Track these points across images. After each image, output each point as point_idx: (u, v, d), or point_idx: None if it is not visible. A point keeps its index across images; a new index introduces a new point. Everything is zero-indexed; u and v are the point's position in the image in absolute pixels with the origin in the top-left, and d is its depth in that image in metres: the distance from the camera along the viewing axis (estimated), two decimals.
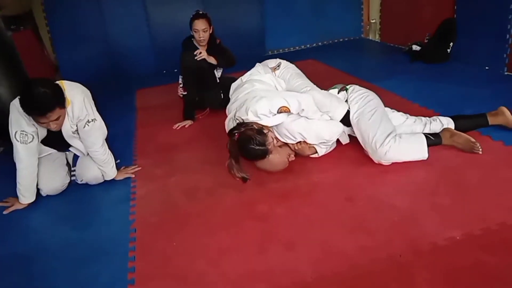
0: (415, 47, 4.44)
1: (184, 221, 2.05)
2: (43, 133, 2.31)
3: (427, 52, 4.28)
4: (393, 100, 3.25)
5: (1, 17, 4.03)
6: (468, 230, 1.74)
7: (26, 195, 2.34)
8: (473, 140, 2.34)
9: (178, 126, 3.31)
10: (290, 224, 1.93)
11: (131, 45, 5.15)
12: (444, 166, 2.25)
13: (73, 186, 2.54)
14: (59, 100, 2.08)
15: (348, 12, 5.75)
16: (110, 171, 2.49)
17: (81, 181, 2.51)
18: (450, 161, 2.29)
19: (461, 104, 3.00)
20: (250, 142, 2.19)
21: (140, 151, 2.93)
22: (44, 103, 2.01)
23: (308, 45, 5.60)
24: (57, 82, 2.19)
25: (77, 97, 2.24)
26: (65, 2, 4.84)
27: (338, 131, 2.45)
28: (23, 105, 2.03)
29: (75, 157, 2.58)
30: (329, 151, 2.55)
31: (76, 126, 2.31)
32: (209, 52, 3.36)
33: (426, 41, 4.45)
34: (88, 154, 2.46)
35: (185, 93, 3.41)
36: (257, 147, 2.19)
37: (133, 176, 2.56)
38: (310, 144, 2.43)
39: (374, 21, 5.68)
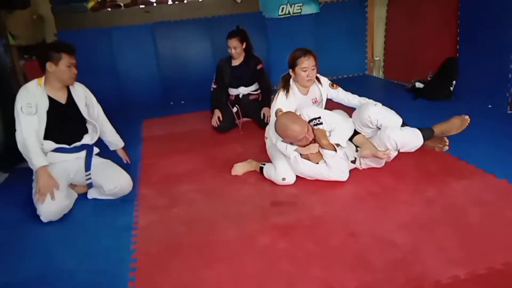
0: (418, 85, 4.51)
1: (185, 253, 2.03)
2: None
3: (430, 89, 4.34)
4: None
5: (15, 46, 4.18)
6: (472, 269, 1.71)
7: (41, 158, 2.44)
8: (458, 118, 2.67)
9: (214, 121, 3.86)
10: (291, 259, 1.91)
11: (140, 77, 5.26)
12: (447, 204, 2.25)
13: (74, 213, 2.54)
14: None
15: (353, 50, 5.91)
16: (120, 140, 2.98)
17: (112, 188, 2.55)
18: (453, 199, 2.29)
19: (464, 142, 3.01)
20: None
21: (143, 181, 2.93)
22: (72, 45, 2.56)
23: None
24: None
25: (78, 83, 2.71)
26: (77, 35, 4.99)
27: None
28: (58, 45, 2.55)
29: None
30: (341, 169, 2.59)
31: (86, 102, 2.71)
32: (243, 66, 3.93)
33: (429, 78, 4.52)
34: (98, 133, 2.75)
35: (215, 86, 3.98)
36: None
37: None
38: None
39: (378, 58, 5.80)
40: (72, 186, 2.72)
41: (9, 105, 2.76)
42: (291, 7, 5.56)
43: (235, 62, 3.95)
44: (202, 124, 4.15)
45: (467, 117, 2.66)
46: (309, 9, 5.64)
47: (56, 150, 2.58)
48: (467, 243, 1.90)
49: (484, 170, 2.56)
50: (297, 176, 2.66)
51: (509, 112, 3.66)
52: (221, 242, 2.10)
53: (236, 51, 3.83)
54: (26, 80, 4.26)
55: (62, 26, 5.02)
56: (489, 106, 3.84)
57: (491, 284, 1.65)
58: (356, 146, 2.72)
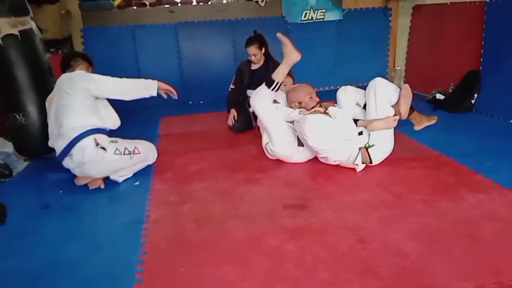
0: (439, 96, 4.46)
1: (193, 249, 2.05)
2: None
3: (451, 101, 4.28)
4: (412, 146, 3.27)
5: (42, 40, 4.29)
6: (480, 283, 1.69)
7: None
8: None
9: (230, 120, 3.97)
10: (298, 262, 1.91)
11: (161, 75, 5.21)
12: (459, 216, 2.21)
13: (89, 204, 2.61)
14: None
15: (374, 58, 5.88)
16: None
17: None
18: (466, 212, 2.25)
19: (482, 155, 2.98)
20: None
21: (157, 176, 2.98)
22: None
23: (332, 87, 5.68)
24: None
25: None
26: (102, 31, 5.12)
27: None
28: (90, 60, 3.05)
29: None
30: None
31: None
32: (263, 70, 3.95)
33: (450, 90, 4.46)
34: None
35: (233, 87, 4.09)
36: None
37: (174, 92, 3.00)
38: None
39: (399, 68, 5.75)
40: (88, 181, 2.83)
41: (49, 91, 2.92)
42: (314, 12, 5.57)
43: (255, 66, 4.01)
44: (219, 125, 4.19)
45: (396, 118, 2.80)
46: (332, 16, 5.64)
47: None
48: (477, 257, 1.87)
49: (501, 185, 2.52)
50: (308, 176, 2.67)
51: None
52: (230, 241, 2.11)
53: (256, 57, 3.93)
54: (51, 72, 4.37)
55: (88, 22, 5.14)
56: (511, 121, 3.76)
57: None
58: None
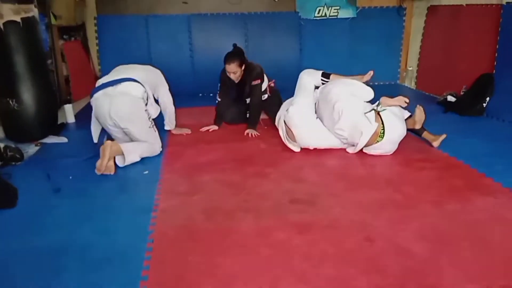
0: (450, 98, 4.43)
1: (201, 239, 2.07)
2: None
3: (462, 104, 4.25)
4: (421, 147, 3.26)
5: (56, 26, 4.31)
6: (487, 284, 1.69)
7: None
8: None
9: (204, 129, 3.84)
10: (305, 256, 1.92)
11: (172, 66, 5.31)
12: (468, 219, 2.21)
13: (99, 190, 2.64)
14: None
15: (387, 57, 5.86)
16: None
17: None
18: (474, 215, 2.25)
19: (492, 159, 2.96)
20: None
21: (167, 166, 3.00)
22: None
23: None
24: None
25: None
26: (116, 20, 5.14)
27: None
28: None
29: None
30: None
31: None
32: (242, 83, 3.78)
33: (462, 93, 4.43)
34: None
35: (219, 99, 3.90)
36: None
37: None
38: None
39: (411, 68, 5.72)
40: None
41: (45, 80, 2.93)
42: (328, 9, 5.56)
43: (236, 80, 3.79)
44: None
45: (407, 99, 3.17)
46: (346, 13, 5.62)
47: None
48: (484, 259, 1.87)
49: (510, 189, 2.51)
50: (317, 172, 2.67)
51: None
52: (237, 233, 2.12)
53: (236, 75, 3.67)
54: (64, 59, 4.40)
55: (102, 10, 5.17)
56: None
57: None
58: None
